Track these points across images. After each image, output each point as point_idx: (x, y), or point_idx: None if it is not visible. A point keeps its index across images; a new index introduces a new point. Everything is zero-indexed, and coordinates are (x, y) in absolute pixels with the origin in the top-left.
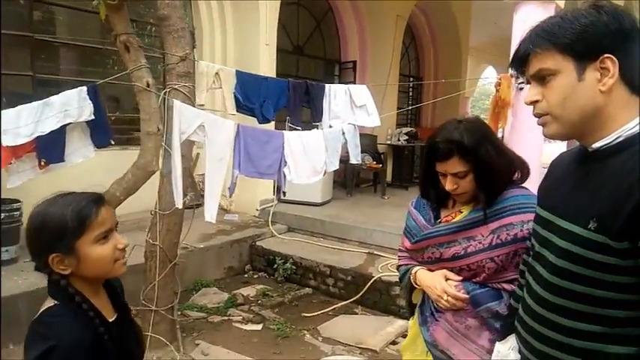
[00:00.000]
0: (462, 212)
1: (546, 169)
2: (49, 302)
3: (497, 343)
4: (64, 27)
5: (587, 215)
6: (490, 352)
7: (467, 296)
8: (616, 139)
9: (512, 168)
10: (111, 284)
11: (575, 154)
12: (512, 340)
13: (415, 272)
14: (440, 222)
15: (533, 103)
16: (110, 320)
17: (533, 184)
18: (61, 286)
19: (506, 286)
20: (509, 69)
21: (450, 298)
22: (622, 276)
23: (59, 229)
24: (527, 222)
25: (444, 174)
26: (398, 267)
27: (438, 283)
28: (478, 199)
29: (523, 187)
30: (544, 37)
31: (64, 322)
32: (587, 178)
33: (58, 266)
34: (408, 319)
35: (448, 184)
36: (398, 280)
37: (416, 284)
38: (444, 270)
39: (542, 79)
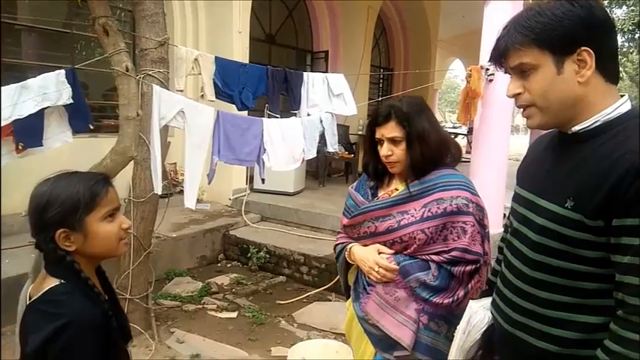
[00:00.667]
0: (397, 190)
1: (512, 160)
2: (52, 281)
3: (471, 300)
4: (30, 10)
5: (565, 194)
6: (417, 322)
7: (397, 267)
8: (594, 123)
9: (445, 146)
10: (100, 270)
11: (553, 137)
12: (484, 301)
13: (350, 248)
14: (377, 199)
15: (515, 95)
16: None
17: (501, 170)
18: (66, 262)
19: (434, 257)
20: (487, 62)
21: (381, 269)
22: (595, 251)
23: (71, 204)
24: (455, 197)
25: (382, 140)
26: (335, 247)
27: (371, 255)
28: (411, 177)
29: (454, 168)
30: (523, 32)
31: (74, 299)
32: (565, 159)
33: (64, 242)
34: (347, 300)
35: (384, 150)
36: (335, 259)
37: (351, 260)
38: (377, 244)
39: (522, 72)
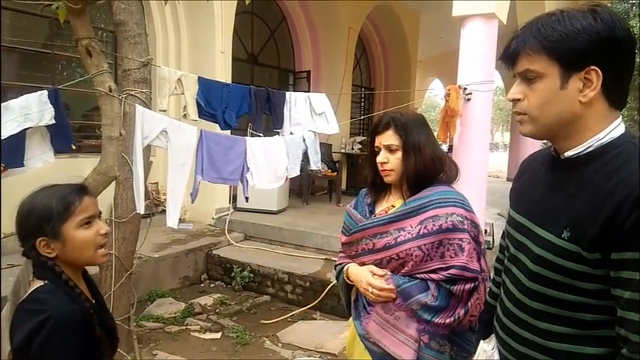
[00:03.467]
0: (394, 207)
1: (492, 177)
2: (37, 283)
3: (481, 341)
4: (10, 30)
5: (561, 224)
6: (417, 341)
7: (391, 287)
8: (587, 148)
9: (440, 163)
10: (88, 276)
11: (545, 157)
12: (495, 340)
13: (347, 268)
14: (374, 216)
15: (515, 100)
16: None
17: (480, 186)
18: (48, 266)
19: (433, 275)
20: (501, 61)
21: (374, 290)
22: (593, 283)
23: (46, 213)
24: (451, 214)
25: (379, 149)
26: (335, 267)
27: (364, 277)
28: (406, 191)
29: (448, 185)
30: (537, 37)
31: (55, 297)
32: (559, 185)
33: (45, 249)
34: (348, 317)
35: (380, 157)
36: (335, 279)
37: (349, 281)
38: (370, 265)
39: (527, 79)
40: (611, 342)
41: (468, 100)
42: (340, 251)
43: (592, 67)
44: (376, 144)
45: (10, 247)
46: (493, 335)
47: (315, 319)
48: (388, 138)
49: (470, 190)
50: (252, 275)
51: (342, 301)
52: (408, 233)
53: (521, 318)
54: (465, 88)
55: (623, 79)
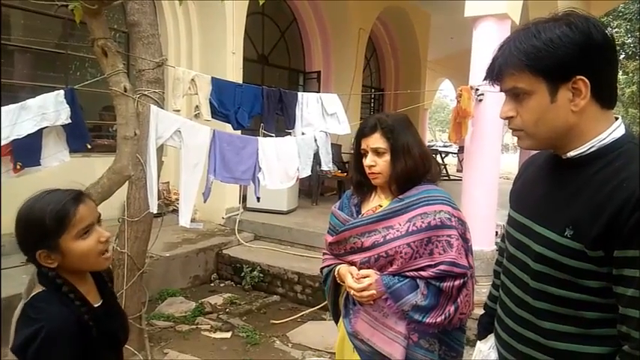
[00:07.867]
0: (381, 206)
1: (502, 178)
2: (39, 288)
3: (478, 342)
4: (24, 30)
5: (563, 222)
6: (407, 337)
7: (364, 285)
8: (589, 148)
9: (427, 162)
10: (99, 274)
11: (547, 157)
12: (492, 340)
13: (338, 269)
14: (362, 216)
15: (508, 118)
16: (96, 305)
17: (492, 188)
18: (49, 277)
19: (422, 273)
20: (482, 80)
21: (355, 293)
22: (597, 281)
23: (40, 230)
24: (439, 212)
25: (367, 152)
26: (321, 270)
27: (345, 279)
28: (395, 191)
29: (435, 184)
30: (517, 56)
31: (50, 307)
32: (561, 184)
33: (46, 261)
34: (336, 324)
35: (367, 160)
36: (322, 282)
37: (340, 281)
38: (351, 267)
39: (516, 95)
40: (614, 341)
41: (480, 100)
42: (324, 253)
43: (578, 76)
44: (363, 147)
45: (14, 248)
46: (490, 335)
47: (325, 319)
48: (375, 141)
49: (481, 191)
50: (261, 275)
51: (329, 306)
52: (397, 231)
53: (525, 318)
54: (477, 89)
55: (610, 79)
